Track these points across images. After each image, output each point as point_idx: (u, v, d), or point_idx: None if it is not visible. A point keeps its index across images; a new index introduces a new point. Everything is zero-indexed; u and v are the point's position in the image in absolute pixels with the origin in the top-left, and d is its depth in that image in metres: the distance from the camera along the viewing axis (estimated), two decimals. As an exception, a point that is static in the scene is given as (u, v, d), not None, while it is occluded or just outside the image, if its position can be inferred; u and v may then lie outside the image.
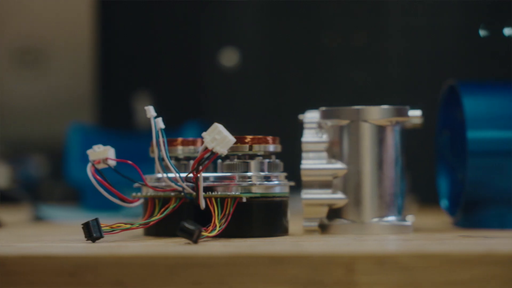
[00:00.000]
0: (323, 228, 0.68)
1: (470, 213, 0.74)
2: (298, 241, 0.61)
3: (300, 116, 0.71)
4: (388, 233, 0.67)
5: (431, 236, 0.64)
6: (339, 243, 0.58)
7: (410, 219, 0.73)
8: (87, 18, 1.39)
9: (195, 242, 0.57)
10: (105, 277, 0.50)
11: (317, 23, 1.30)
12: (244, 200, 0.63)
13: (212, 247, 0.55)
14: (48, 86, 1.43)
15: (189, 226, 0.57)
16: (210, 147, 0.61)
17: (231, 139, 0.62)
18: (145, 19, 1.36)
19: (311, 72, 1.31)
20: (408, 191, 1.02)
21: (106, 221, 0.62)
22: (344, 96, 1.25)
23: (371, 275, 0.49)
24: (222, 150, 0.61)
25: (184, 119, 1.23)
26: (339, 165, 0.68)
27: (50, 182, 1.46)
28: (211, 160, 0.62)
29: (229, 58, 1.32)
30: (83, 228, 0.61)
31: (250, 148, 0.65)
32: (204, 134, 0.62)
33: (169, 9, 1.34)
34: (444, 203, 0.79)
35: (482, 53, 1.27)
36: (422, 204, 1.09)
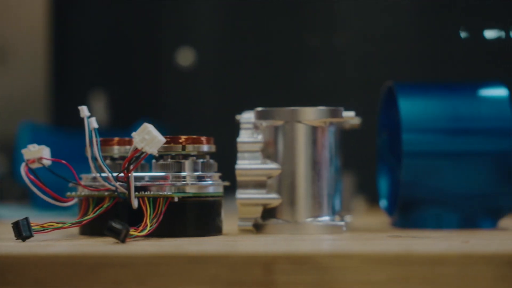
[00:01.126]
0: (258, 228, 0.68)
1: (406, 213, 0.74)
2: (228, 241, 0.61)
3: (237, 117, 0.71)
4: (321, 233, 0.67)
5: (361, 236, 0.65)
6: (261, 243, 0.59)
7: (347, 219, 0.74)
8: (42, 17, 1.39)
9: (123, 241, 0.57)
10: (25, 277, 0.50)
11: (272, 24, 1.31)
12: (176, 199, 0.64)
13: (136, 246, 0.56)
14: (3, 84, 1.42)
15: (116, 225, 0.58)
16: (139, 147, 0.61)
17: (161, 139, 0.62)
18: (101, 18, 1.36)
19: (266, 72, 1.31)
20: (355, 192, 1.03)
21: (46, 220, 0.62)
22: (299, 96, 1.26)
23: (289, 275, 0.50)
24: (152, 150, 0.62)
25: (140, 118, 1.23)
26: (273, 165, 0.68)
27: (8, 181, 1.46)
28: (141, 160, 0.62)
29: (186, 57, 1.32)
30: (12, 227, 0.61)
31: (183, 148, 0.65)
32: (133, 134, 0.62)
33: (126, 8, 1.34)
34: (383, 203, 0.80)
35: (430, 55, 1.28)
36: (372, 204, 1.09)
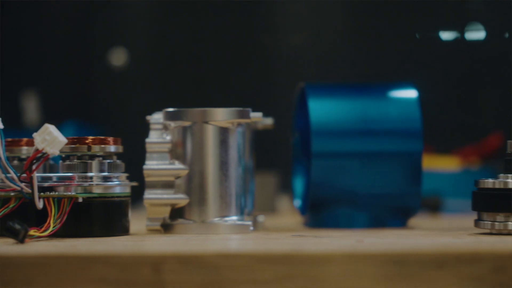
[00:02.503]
0: (166, 228, 0.69)
1: (317, 213, 0.75)
2: (129, 240, 0.61)
3: (148, 117, 0.71)
4: (229, 233, 0.68)
5: (265, 236, 0.66)
6: (154, 243, 0.59)
7: (260, 219, 0.75)
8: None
9: (22, 241, 0.58)
10: None
11: (203, 26, 1.31)
12: (80, 200, 0.64)
13: (30, 247, 0.56)
14: None
15: (15, 226, 0.58)
16: (40, 148, 0.62)
17: (62, 140, 0.62)
18: (34, 18, 1.36)
19: (196, 73, 1.31)
20: (278, 191, 1.04)
21: None
22: (228, 98, 1.26)
23: (177, 274, 0.50)
24: (53, 150, 0.62)
25: (71, 117, 1.23)
26: (181, 165, 0.69)
27: None
28: (43, 161, 0.62)
29: (118, 57, 1.32)
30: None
31: (89, 149, 0.66)
32: (34, 134, 0.62)
33: (58, 8, 1.33)
34: (297, 202, 0.81)
35: (355, 56, 1.29)
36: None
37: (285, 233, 0.68)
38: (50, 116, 1.28)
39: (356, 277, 0.50)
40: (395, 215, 0.75)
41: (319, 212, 0.75)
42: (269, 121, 0.76)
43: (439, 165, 1.10)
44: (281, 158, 0.95)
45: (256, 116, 0.71)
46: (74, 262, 0.51)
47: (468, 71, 1.32)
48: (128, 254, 0.51)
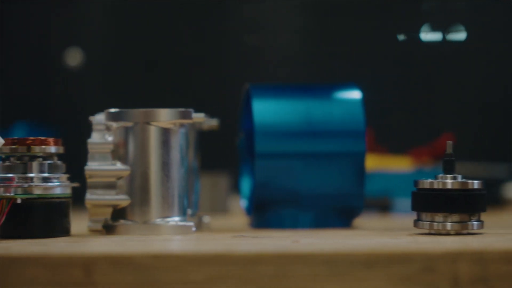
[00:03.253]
0: (108, 229, 0.69)
1: (262, 213, 0.76)
2: (66, 242, 0.61)
3: (91, 118, 0.71)
4: (171, 233, 0.68)
5: (206, 236, 0.66)
6: (88, 244, 0.59)
7: (205, 220, 0.75)
8: None
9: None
10: None
11: (158, 26, 1.31)
12: (19, 201, 0.64)
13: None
14: None
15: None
16: (-24, 148, 0.61)
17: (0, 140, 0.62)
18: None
19: (152, 73, 1.31)
20: (230, 192, 1.04)
21: None
22: (177, 99, 1.26)
23: (108, 276, 0.50)
24: (-11, 151, 0.62)
25: (24, 118, 1.23)
26: (122, 166, 0.69)
27: None
28: (-21, 161, 0.62)
29: (73, 57, 1.31)
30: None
31: (29, 149, 0.65)
32: (-29, 135, 0.62)
33: (12, 7, 1.33)
34: (243, 203, 0.81)
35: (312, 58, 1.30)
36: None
37: (227, 234, 0.68)
38: (4, 116, 1.28)
39: (286, 277, 0.51)
40: (339, 216, 0.76)
41: (264, 213, 0.75)
42: (214, 122, 0.76)
43: (392, 165, 1.10)
44: (233, 159, 0.95)
45: (198, 116, 0.71)
46: (6, 263, 0.50)
47: (422, 72, 1.33)
48: (60, 255, 0.51)
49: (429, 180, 0.66)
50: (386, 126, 1.25)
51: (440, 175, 0.66)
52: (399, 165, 1.11)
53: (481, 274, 0.51)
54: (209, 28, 1.31)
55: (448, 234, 0.64)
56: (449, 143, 0.67)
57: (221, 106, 1.00)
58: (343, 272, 0.51)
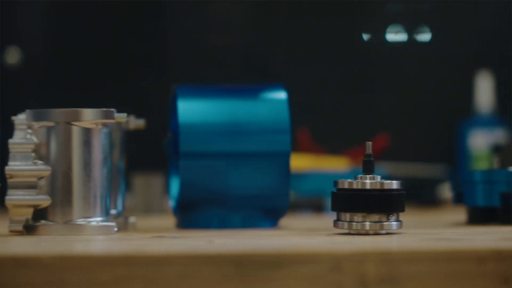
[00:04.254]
0: (29, 229, 0.68)
1: (188, 214, 0.76)
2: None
3: (13, 117, 0.70)
4: (93, 234, 0.68)
5: (126, 237, 0.66)
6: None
7: (131, 220, 0.75)
8: None
9: None
10: None
11: (98, 25, 1.30)
12: None
13: None
14: None
15: None
16: None
17: None
18: None
19: (91, 73, 1.31)
20: (165, 192, 1.03)
21: None
22: (114, 99, 1.25)
23: (15, 277, 0.50)
24: None
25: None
26: (44, 166, 0.68)
27: None
28: None
29: (11, 56, 1.30)
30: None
31: None
32: None
33: None
34: (171, 203, 0.81)
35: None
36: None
37: (148, 234, 0.68)
38: None
39: (193, 278, 0.51)
40: (266, 216, 0.76)
41: (190, 213, 0.75)
42: (140, 122, 0.76)
43: (329, 165, 1.11)
44: (165, 160, 0.95)
45: (121, 116, 0.71)
46: None
47: (361, 73, 1.33)
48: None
49: (349, 180, 0.66)
50: (324, 127, 1.26)
51: (360, 175, 0.66)
52: (335, 165, 1.11)
53: (388, 274, 0.52)
54: (141, 29, 1.31)
55: (367, 234, 0.65)
56: (368, 143, 0.67)
57: (153, 107, 1.00)
58: (251, 272, 0.51)
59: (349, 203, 0.65)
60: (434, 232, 0.68)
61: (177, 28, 1.31)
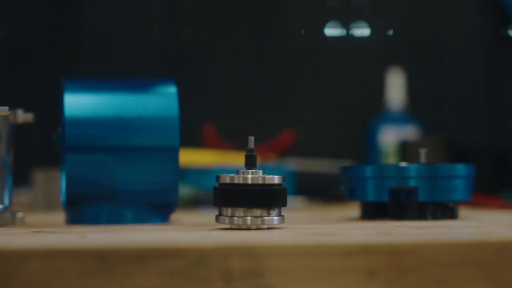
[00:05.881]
0: None
1: (75, 209, 0.75)
2: None
3: None
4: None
5: (4, 232, 0.65)
6: None
7: (19, 215, 0.74)
8: None
9: None
10: None
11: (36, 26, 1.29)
12: None
13: None
14: None
15: None
16: None
17: None
18: None
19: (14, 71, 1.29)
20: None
21: None
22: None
23: None
24: None
25: None
26: None
27: None
28: None
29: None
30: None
31: None
32: None
33: None
34: (62, 199, 0.80)
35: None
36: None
37: (30, 230, 0.67)
38: None
39: (53, 273, 0.50)
40: (156, 211, 0.75)
41: (78, 208, 0.74)
42: (29, 116, 0.75)
43: (236, 161, 1.11)
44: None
45: (1, 109, 0.69)
46: None
47: (268, 70, 1.34)
48: None
49: (231, 175, 0.66)
50: (233, 123, 1.26)
51: (242, 170, 0.66)
52: (241, 161, 1.11)
53: (254, 268, 0.52)
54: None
55: (248, 229, 0.65)
56: (251, 138, 0.67)
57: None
58: (114, 267, 0.50)
59: (231, 198, 0.65)
60: (316, 227, 0.68)
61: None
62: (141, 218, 0.75)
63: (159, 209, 0.76)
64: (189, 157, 1.08)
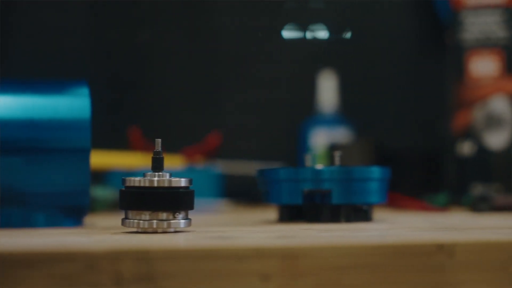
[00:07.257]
0: None
1: (-14, 212, 0.74)
2: None
3: None
4: None
5: None
6: None
7: None
8: None
9: None
10: None
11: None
12: None
13: None
14: None
15: None
16: None
17: None
18: None
19: None
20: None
21: None
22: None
23: None
24: None
25: None
26: None
27: None
28: None
29: None
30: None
31: None
32: None
33: None
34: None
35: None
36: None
37: None
38: None
39: None
40: (68, 214, 0.75)
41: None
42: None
43: (166, 164, 1.10)
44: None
45: None
46: None
47: (204, 72, 1.33)
48: None
49: (137, 178, 0.65)
50: (159, 125, 1.25)
51: (149, 173, 0.66)
52: (171, 163, 1.11)
53: (145, 272, 0.51)
54: None
55: (155, 232, 0.64)
56: (158, 140, 0.67)
57: None
58: (4, 272, 0.50)
59: (136, 201, 0.65)
60: (222, 230, 0.68)
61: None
62: (53, 221, 0.74)
63: (71, 212, 0.75)
64: (113, 160, 1.07)
